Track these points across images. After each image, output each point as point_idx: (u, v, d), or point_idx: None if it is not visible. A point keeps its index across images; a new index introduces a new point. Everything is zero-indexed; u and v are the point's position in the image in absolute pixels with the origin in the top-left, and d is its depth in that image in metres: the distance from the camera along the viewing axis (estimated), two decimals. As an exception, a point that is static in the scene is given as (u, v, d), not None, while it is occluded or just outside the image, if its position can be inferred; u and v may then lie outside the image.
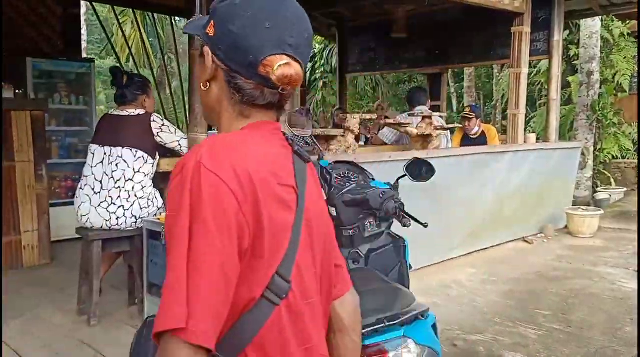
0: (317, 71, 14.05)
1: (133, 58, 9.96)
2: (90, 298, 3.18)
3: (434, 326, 1.72)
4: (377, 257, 2.12)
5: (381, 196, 2.00)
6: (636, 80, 8.95)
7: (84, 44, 14.30)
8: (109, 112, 3.52)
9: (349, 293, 1.09)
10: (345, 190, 2.11)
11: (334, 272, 1.05)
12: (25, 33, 5.72)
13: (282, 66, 0.91)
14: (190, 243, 0.81)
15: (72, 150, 5.58)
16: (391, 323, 1.57)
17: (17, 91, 4.48)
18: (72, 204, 3.81)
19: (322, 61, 14.05)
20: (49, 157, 5.09)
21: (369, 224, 2.12)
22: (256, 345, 0.88)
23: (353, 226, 2.11)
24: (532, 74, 10.18)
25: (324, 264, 1.01)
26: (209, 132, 3.61)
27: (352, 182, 2.18)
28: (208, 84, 0.98)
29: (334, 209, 2.12)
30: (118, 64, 9.13)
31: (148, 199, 3.32)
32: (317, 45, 14.06)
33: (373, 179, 2.22)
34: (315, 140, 2.74)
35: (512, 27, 5.28)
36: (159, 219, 3.14)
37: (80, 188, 3.33)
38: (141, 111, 3.38)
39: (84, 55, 8.89)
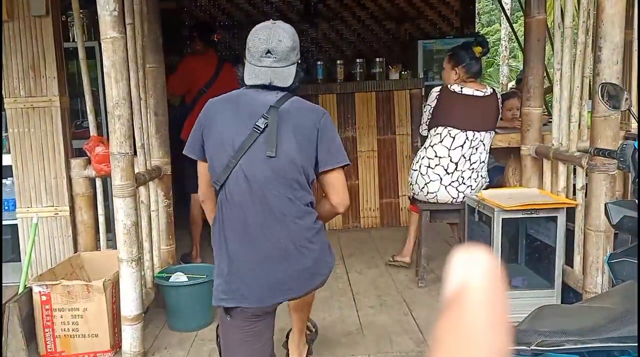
0: None
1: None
2: (420, 262, 3.53)
3: None
4: None
5: None
6: None
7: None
8: (453, 89, 3.29)
9: None
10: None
11: None
12: (426, 16, 6.40)
13: None
14: None
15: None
16: None
17: (403, 72, 5.14)
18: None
19: None
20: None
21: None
22: None
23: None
24: None
25: None
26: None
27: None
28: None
29: None
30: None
31: (484, 177, 3.39)
32: None
33: None
34: None
35: None
36: (477, 195, 3.16)
37: (429, 166, 3.35)
38: (489, 90, 3.39)
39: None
